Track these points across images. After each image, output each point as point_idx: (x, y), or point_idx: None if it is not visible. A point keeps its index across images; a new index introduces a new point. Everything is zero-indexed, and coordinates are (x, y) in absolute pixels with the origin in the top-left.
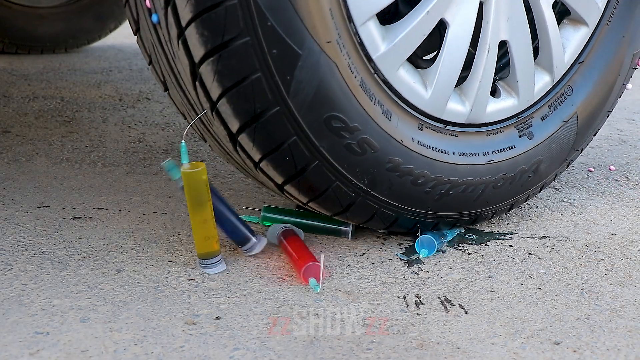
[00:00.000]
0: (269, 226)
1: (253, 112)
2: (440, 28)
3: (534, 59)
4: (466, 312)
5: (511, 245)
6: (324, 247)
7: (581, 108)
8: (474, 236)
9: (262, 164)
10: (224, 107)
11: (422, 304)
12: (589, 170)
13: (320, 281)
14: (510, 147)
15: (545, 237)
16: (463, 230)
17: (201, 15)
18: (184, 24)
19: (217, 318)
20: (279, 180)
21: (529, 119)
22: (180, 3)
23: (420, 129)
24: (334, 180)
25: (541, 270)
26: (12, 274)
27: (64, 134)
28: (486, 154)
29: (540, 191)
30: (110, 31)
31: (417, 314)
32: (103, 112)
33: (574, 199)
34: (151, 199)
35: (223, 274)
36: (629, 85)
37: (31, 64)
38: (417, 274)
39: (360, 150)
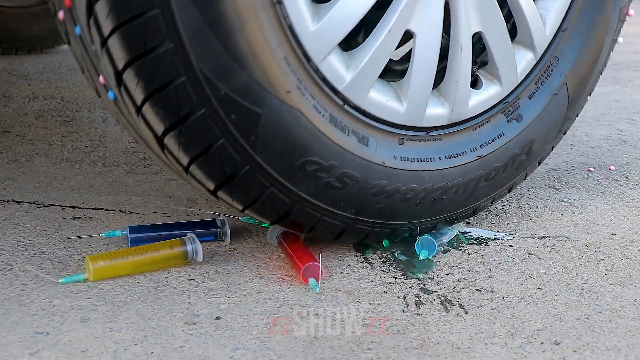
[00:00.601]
0: (268, 227)
1: (224, 174)
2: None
3: (514, 38)
4: (466, 312)
5: (511, 246)
6: (324, 247)
7: (570, 76)
8: (475, 235)
9: (247, 212)
10: (195, 171)
11: (422, 304)
12: (589, 170)
13: (320, 281)
14: (499, 136)
15: (545, 237)
16: (463, 231)
17: (152, 96)
18: (138, 103)
19: (217, 318)
20: (267, 222)
21: (516, 101)
22: (131, 85)
23: (401, 143)
24: (320, 216)
25: (541, 270)
26: (12, 274)
27: (64, 134)
28: (474, 149)
29: (538, 165)
30: None
31: (417, 314)
32: (103, 112)
33: (574, 199)
34: (151, 199)
35: (223, 274)
36: (620, 39)
37: (31, 64)
38: (417, 274)
39: (342, 184)
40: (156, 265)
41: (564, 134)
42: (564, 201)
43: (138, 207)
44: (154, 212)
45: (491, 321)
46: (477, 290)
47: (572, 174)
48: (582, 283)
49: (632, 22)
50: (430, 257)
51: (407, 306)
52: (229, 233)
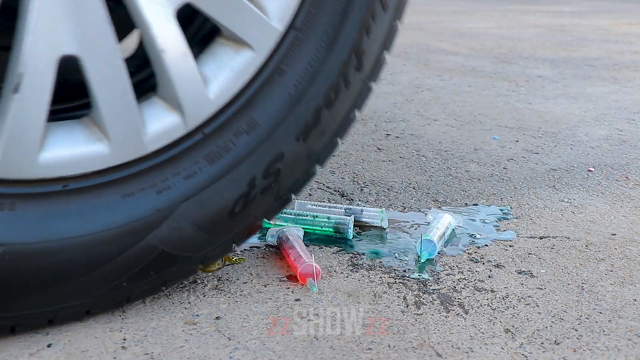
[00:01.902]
0: (268, 228)
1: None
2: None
3: None
4: (466, 312)
5: (511, 246)
6: (324, 247)
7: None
8: (475, 236)
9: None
10: None
11: (422, 304)
12: (589, 170)
13: (317, 281)
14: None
15: (545, 237)
16: (470, 233)
17: None
18: None
19: (217, 318)
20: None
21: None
22: None
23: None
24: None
25: (541, 270)
26: None
27: None
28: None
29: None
30: None
31: (417, 314)
32: None
33: (574, 199)
34: None
35: (223, 274)
36: None
37: None
38: (417, 275)
39: (275, 176)
40: None
41: None
42: (564, 201)
43: None
44: None
45: (491, 321)
46: (477, 290)
47: (572, 174)
48: (582, 283)
49: (632, 22)
50: (430, 258)
51: (407, 306)
52: None
